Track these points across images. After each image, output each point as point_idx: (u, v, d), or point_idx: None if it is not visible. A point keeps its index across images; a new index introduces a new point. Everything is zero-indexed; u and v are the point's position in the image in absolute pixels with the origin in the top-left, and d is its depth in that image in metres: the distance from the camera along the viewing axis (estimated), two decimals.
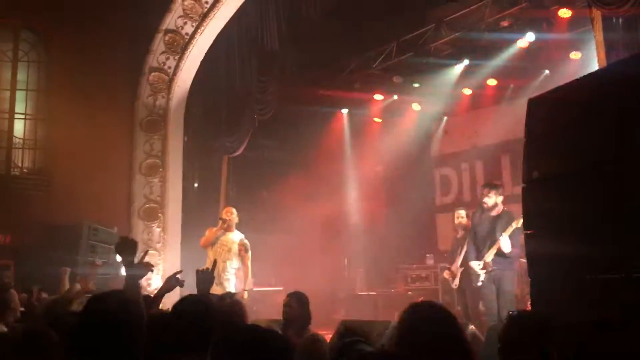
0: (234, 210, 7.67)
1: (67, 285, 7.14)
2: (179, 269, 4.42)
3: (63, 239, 9.54)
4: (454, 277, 8.26)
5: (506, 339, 2.49)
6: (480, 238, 7.15)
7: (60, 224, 9.87)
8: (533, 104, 4.09)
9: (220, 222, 7.47)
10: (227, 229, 7.44)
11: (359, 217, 13.39)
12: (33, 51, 11.30)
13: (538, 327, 2.44)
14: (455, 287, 8.29)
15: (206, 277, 3.70)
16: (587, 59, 8.80)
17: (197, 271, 3.70)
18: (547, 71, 10.28)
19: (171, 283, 4.24)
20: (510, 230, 6.69)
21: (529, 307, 6.42)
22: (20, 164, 10.97)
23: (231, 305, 4.01)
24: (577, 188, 3.55)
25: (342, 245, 13.14)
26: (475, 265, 7.03)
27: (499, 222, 6.91)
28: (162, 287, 4.26)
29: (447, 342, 1.91)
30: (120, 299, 2.21)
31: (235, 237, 7.51)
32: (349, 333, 2.93)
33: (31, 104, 11.20)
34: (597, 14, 7.22)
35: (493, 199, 7.05)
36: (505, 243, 6.70)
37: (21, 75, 11.14)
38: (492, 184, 7.39)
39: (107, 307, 2.16)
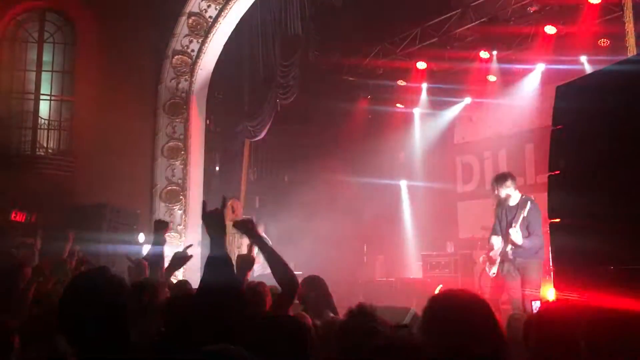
0: (239, 205, 7.57)
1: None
2: (191, 251, 4.40)
3: (86, 219, 9.66)
4: (492, 264, 7.81)
5: (540, 334, 2.43)
6: (502, 229, 7.03)
7: (83, 204, 10.00)
8: (561, 91, 4.01)
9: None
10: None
11: (378, 203, 13.34)
12: (59, 33, 11.40)
13: (568, 321, 2.38)
14: (494, 275, 7.86)
15: (245, 262, 3.46)
16: (616, 46, 8.63)
17: (238, 255, 3.49)
18: (575, 58, 10.08)
19: (180, 258, 4.25)
20: (519, 219, 6.54)
21: (549, 298, 6.36)
22: (45, 145, 11.11)
23: (252, 294, 3.91)
24: (606, 177, 3.49)
25: (362, 231, 13.13)
26: (496, 253, 6.94)
27: (520, 210, 6.77)
28: (170, 263, 4.27)
29: (481, 333, 1.85)
30: (101, 278, 2.13)
31: None
32: (361, 313, 2.82)
33: (56, 85, 11.33)
34: (627, 1, 7.09)
35: (504, 192, 6.88)
36: (515, 236, 6.54)
37: (47, 57, 11.27)
38: (497, 178, 7.13)
39: (85, 284, 2.11)
